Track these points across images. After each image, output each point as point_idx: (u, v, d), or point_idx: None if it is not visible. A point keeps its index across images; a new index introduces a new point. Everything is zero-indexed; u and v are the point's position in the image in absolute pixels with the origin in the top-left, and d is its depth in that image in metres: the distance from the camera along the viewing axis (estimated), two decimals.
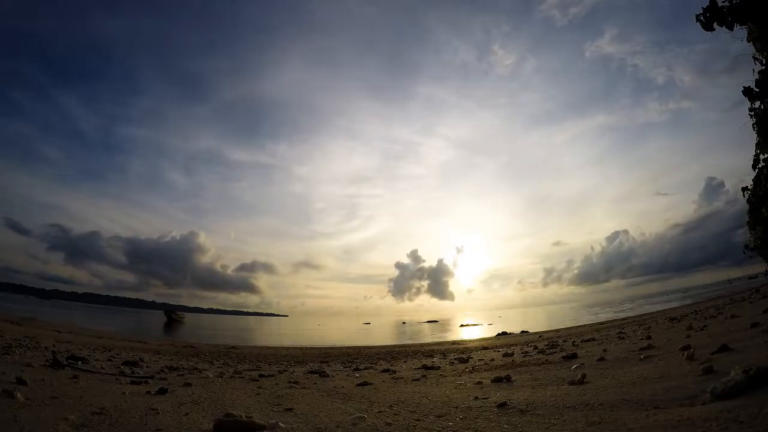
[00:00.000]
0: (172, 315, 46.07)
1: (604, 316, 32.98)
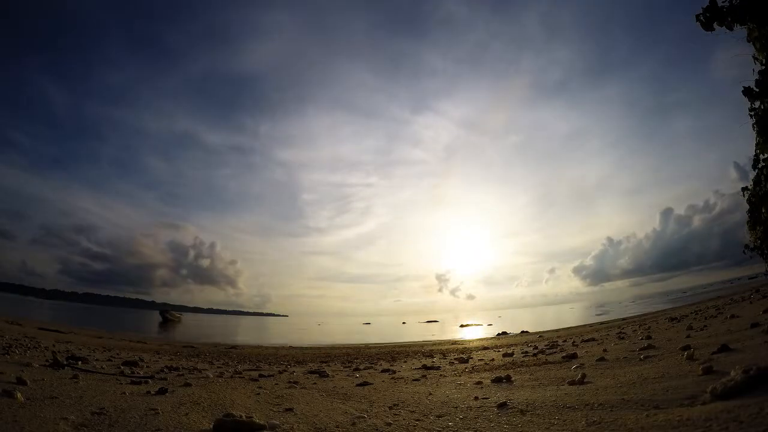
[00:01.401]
0: (167, 315, 48.24)
1: (604, 316, 32.98)
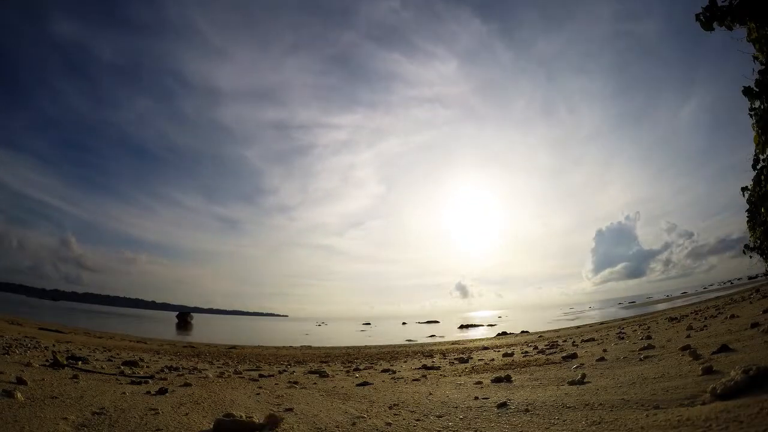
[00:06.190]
0: (187, 318, 50.01)
1: (604, 316, 33.00)
